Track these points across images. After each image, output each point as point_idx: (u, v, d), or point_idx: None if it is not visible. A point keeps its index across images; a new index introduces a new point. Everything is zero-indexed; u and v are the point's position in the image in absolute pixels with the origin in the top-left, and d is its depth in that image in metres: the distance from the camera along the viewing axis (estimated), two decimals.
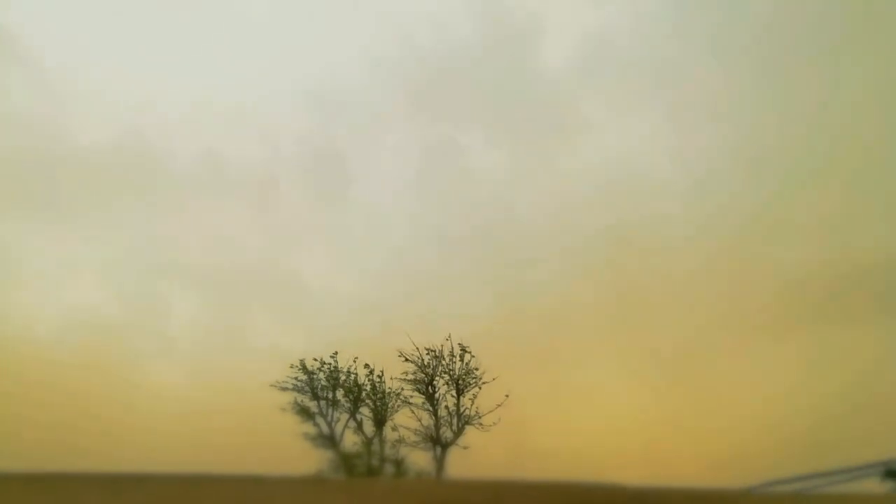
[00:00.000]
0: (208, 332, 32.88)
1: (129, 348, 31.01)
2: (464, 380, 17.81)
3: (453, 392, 17.81)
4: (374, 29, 42.72)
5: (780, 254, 34.33)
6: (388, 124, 42.79)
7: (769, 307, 32.77)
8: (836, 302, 32.23)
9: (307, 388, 17.76)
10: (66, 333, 30.69)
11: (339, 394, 17.73)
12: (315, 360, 17.87)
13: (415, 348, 17.84)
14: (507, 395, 17.41)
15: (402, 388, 17.78)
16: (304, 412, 17.63)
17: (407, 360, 17.77)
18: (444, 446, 17.49)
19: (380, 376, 17.92)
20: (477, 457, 18.06)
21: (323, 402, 17.76)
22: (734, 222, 36.39)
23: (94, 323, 31.50)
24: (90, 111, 37.94)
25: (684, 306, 33.99)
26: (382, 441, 17.54)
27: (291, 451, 17.49)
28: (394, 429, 17.59)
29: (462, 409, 17.68)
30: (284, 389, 17.70)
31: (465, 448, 17.60)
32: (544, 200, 40.31)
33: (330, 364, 17.89)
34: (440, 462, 17.47)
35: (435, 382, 17.81)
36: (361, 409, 17.68)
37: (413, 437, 17.53)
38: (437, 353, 17.90)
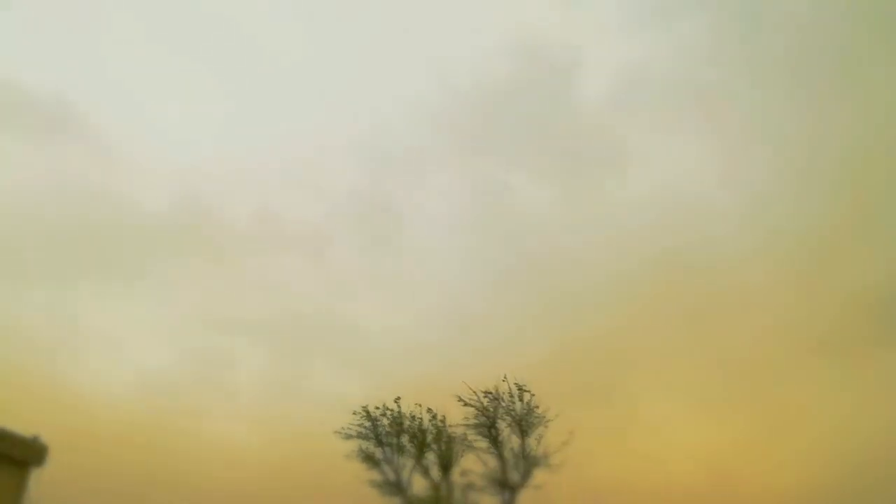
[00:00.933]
0: (271, 383, 33.55)
1: (195, 403, 31.84)
2: (526, 420, 17.52)
3: (517, 433, 17.52)
4: (416, 75, 43.75)
5: (843, 271, 32.93)
6: (436, 168, 43.53)
7: (836, 327, 31.37)
8: None
9: (371, 435, 17.68)
10: (136, 392, 31.77)
11: (404, 439, 17.63)
12: (377, 407, 17.86)
13: (472, 392, 17.70)
14: (571, 433, 17.07)
15: (466, 434, 17.58)
16: (370, 459, 17.51)
17: (466, 404, 17.61)
18: (513, 489, 17.14)
19: (442, 420, 17.77)
20: (548, 498, 17.67)
21: (388, 449, 17.66)
22: (792, 242, 35.22)
23: (162, 380, 32.54)
24: (150, 177, 39.93)
25: (747, 330, 32.88)
26: (450, 486, 17.31)
27: (358, 499, 17.46)
28: (462, 474, 17.37)
29: (528, 450, 17.34)
30: (349, 437, 17.66)
31: (535, 489, 17.22)
32: (595, 232, 39.98)
33: (393, 410, 17.82)
34: None
35: (497, 425, 17.57)
36: (427, 455, 17.53)
37: (481, 482, 17.26)
38: (495, 395, 17.69)
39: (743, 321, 33.24)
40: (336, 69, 44.50)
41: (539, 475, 17.19)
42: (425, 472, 17.43)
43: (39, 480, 14.03)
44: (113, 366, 33.22)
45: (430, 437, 17.52)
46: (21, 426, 13.66)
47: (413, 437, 17.53)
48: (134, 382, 32.34)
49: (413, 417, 17.71)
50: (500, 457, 17.36)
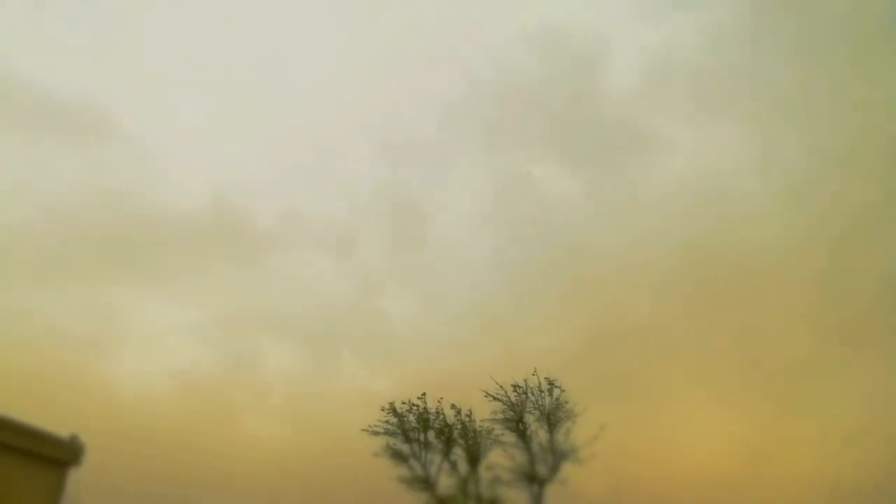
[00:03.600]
0: (300, 380, 33.91)
1: (227, 401, 32.37)
2: (554, 415, 17.44)
3: (545, 427, 17.46)
4: (440, 69, 43.64)
5: (874, 260, 31.91)
6: (461, 162, 43.44)
7: (865, 316, 30.48)
8: None
9: (398, 431, 17.75)
10: (170, 391, 32.40)
11: (431, 435, 17.69)
12: (404, 403, 17.94)
13: (499, 386, 17.67)
14: (601, 427, 16.94)
15: (493, 428, 17.58)
16: (398, 455, 17.57)
17: (494, 398, 17.61)
18: (542, 483, 17.07)
19: (468, 415, 17.78)
20: (576, 492, 17.57)
21: (415, 445, 17.71)
22: (828, 230, 34.29)
23: (195, 379, 33.12)
24: (182, 179, 40.61)
25: (780, 320, 32.17)
26: (478, 481, 17.32)
27: (387, 495, 17.57)
28: (489, 468, 17.37)
29: (556, 444, 17.27)
30: (376, 434, 17.75)
31: (563, 483, 17.14)
32: (622, 222, 39.49)
33: (419, 405, 17.89)
34: (538, 499, 17.02)
35: (525, 419, 17.54)
36: (454, 450, 17.55)
37: (509, 476, 17.24)
38: (523, 389, 17.67)
39: (771, 310, 32.56)
40: (360, 67, 44.70)
41: (567, 469, 17.11)
42: (453, 467, 17.46)
43: (77, 480, 14.35)
44: (148, 365, 33.98)
45: (456, 433, 17.54)
46: (59, 425, 13.98)
47: (440, 433, 17.58)
48: (168, 381, 33.04)
49: (438, 413, 17.76)
50: (528, 451, 17.33)
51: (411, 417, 17.75)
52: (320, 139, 43.82)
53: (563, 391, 17.61)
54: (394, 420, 17.77)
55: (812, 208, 35.62)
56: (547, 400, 17.55)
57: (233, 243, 40.04)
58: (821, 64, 37.99)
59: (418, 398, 17.88)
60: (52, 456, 13.50)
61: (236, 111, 44.20)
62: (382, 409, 17.91)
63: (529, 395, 17.63)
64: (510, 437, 17.53)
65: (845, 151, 36.05)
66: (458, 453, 17.50)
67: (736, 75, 39.90)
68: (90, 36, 40.09)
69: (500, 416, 17.57)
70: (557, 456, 17.21)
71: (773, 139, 38.89)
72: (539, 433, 17.48)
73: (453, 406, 17.79)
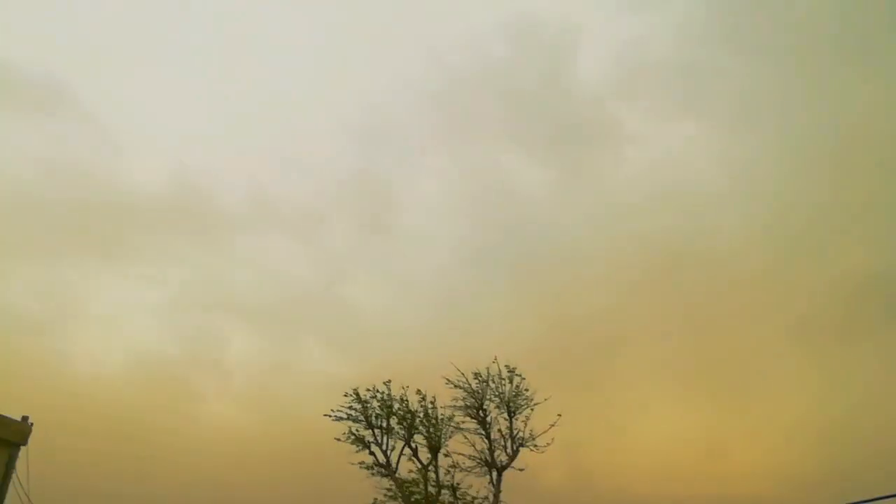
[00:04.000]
0: (262, 364, 33.64)
1: (187, 382, 31.95)
2: (514, 402, 17.69)
3: (505, 415, 17.69)
4: (410, 56, 43.33)
5: (845, 259, 32.93)
6: (430, 149, 43.29)
7: (838, 314, 31.47)
8: None
9: (361, 417, 17.80)
10: (127, 370, 31.82)
11: (394, 421, 17.76)
12: (368, 389, 17.98)
13: (460, 374, 17.83)
14: (559, 415, 17.26)
15: (454, 415, 17.76)
16: (359, 441, 17.65)
17: (455, 386, 17.77)
18: (500, 470, 17.32)
19: (432, 402, 17.91)
20: (533, 478, 17.88)
21: (377, 431, 17.80)
22: (784, 227, 35.27)
23: (153, 359, 32.59)
24: (144, 157, 39.64)
25: (739, 315, 33.05)
26: (438, 467, 17.49)
27: (348, 480, 17.61)
28: (446, 454, 17.56)
29: (515, 432, 17.53)
30: (339, 419, 17.79)
31: (521, 470, 17.44)
32: (588, 214, 39.95)
33: (383, 392, 17.96)
34: (497, 486, 17.28)
35: (485, 406, 17.74)
36: (416, 437, 17.68)
37: (468, 462, 17.45)
38: (484, 377, 17.86)
39: (732, 305, 33.44)
40: (332, 49, 44.11)
41: (526, 456, 17.40)
42: (414, 453, 17.59)
43: (28, 459, 14.06)
44: (105, 345, 33.28)
45: (418, 420, 17.65)
46: (11, 405, 13.68)
47: (402, 420, 17.67)
48: (126, 363, 32.43)
49: (402, 399, 17.85)
50: (488, 438, 17.55)
51: (375, 403, 17.82)
52: (289, 120, 43.23)
53: (522, 379, 17.93)
54: (357, 406, 17.83)
55: (769, 206, 36.59)
56: (507, 388, 17.83)
57: (196, 223, 39.30)
58: (785, 64, 38.93)
59: (384, 384, 18.01)
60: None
61: (203, 89, 43.26)
62: (346, 395, 17.98)
63: (490, 382, 17.87)
64: (471, 424, 17.77)
65: (805, 150, 37.09)
66: (420, 440, 17.67)
67: (702, 72, 40.59)
68: (49, 9, 38.76)
69: (462, 403, 17.77)
70: (516, 443, 17.49)
71: (736, 136, 39.76)
72: (499, 420, 17.76)
73: (419, 392, 17.93)
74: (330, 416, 17.83)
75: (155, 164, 39.50)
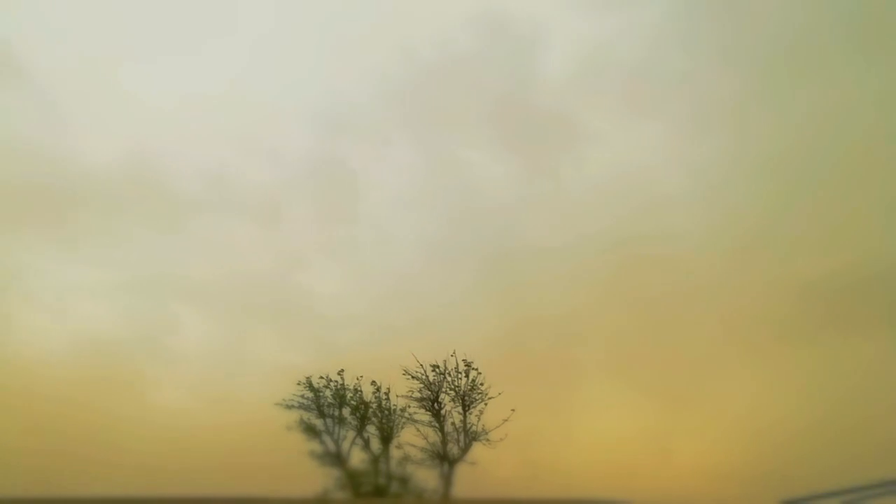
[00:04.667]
0: (214, 350, 32.95)
1: (136, 367, 31.10)
2: (469, 396, 17.75)
3: (459, 408, 17.76)
4: (376, 46, 42.87)
5: (792, 264, 33.99)
6: (393, 139, 42.95)
7: (781, 318, 32.43)
8: (852, 311, 31.85)
9: (313, 406, 17.72)
10: (74, 353, 30.83)
11: (346, 412, 17.69)
12: (321, 377, 17.86)
13: (419, 365, 17.83)
14: (513, 410, 17.36)
15: (409, 406, 17.74)
16: (311, 430, 17.56)
17: (412, 377, 17.74)
18: (452, 463, 17.39)
19: (386, 393, 17.88)
20: (485, 473, 17.95)
21: (329, 420, 17.71)
22: (744, 233, 36.12)
23: (101, 343, 31.63)
24: (95, 134, 38.25)
25: (694, 318, 33.76)
26: (389, 459, 17.46)
27: (297, 469, 17.44)
28: (398, 446, 17.54)
29: (468, 426, 17.62)
30: (290, 408, 17.66)
31: (472, 464, 17.54)
32: (550, 212, 40.23)
33: (336, 382, 17.86)
34: (448, 479, 17.37)
35: (441, 399, 17.76)
36: (368, 427, 17.63)
37: (420, 455, 17.48)
38: (441, 370, 17.87)
39: (693, 308, 34.08)
40: (295, 36, 43.33)
41: (478, 450, 17.48)
42: (366, 443, 17.53)
43: None
44: (50, 326, 32.12)
45: (371, 410, 17.60)
46: None
47: (355, 410, 17.60)
48: (72, 344, 31.34)
49: (356, 390, 17.77)
50: (441, 431, 17.58)
51: (328, 393, 17.72)
52: (251, 104, 42.31)
53: (479, 373, 17.97)
54: (310, 395, 17.71)
55: (727, 209, 37.42)
56: (463, 381, 17.88)
57: (149, 204, 38.13)
58: (749, 71, 39.83)
59: (338, 373, 17.88)
60: None
61: (161, 66, 42.03)
62: (298, 384, 17.85)
63: (447, 375, 17.89)
64: (424, 416, 17.78)
65: (766, 156, 38.05)
66: (372, 431, 17.63)
67: (667, 76, 41.24)
68: None
69: (417, 394, 17.75)
70: (469, 437, 17.59)
71: (698, 140, 40.50)
72: (453, 413, 17.82)
73: (373, 382, 17.86)
74: (281, 404, 17.68)
75: (109, 141, 38.26)
